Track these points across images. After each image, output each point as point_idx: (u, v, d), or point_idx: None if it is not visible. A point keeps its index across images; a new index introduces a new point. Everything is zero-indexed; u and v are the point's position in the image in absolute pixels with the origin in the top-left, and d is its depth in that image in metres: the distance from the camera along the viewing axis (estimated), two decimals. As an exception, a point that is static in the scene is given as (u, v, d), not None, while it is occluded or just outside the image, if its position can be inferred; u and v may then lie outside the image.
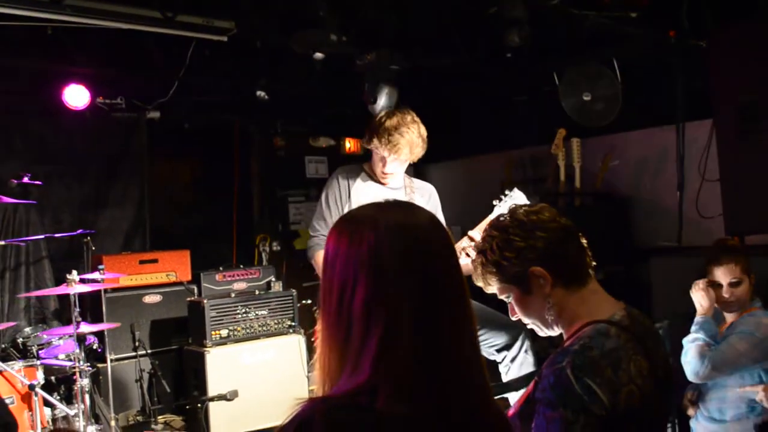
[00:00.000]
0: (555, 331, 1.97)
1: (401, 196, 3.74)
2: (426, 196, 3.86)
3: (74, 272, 4.14)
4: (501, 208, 3.60)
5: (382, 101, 5.86)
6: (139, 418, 5.35)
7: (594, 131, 6.09)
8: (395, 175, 3.71)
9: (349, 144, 7.52)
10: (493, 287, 2.01)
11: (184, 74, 6.07)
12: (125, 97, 6.28)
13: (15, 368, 3.86)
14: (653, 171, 6.03)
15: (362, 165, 3.81)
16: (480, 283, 2.03)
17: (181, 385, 5.60)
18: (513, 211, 2.00)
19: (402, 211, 1.33)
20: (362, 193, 3.68)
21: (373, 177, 3.75)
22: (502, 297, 2.01)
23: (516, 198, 3.63)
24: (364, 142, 3.64)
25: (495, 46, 5.68)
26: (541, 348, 5.62)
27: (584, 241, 1.97)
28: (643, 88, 5.67)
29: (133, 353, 5.47)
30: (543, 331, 2.00)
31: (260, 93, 6.46)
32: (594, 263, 1.96)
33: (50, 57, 5.75)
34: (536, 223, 1.93)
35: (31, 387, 3.79)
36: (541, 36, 5.51)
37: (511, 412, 1.94)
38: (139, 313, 5.62)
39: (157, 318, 5.73)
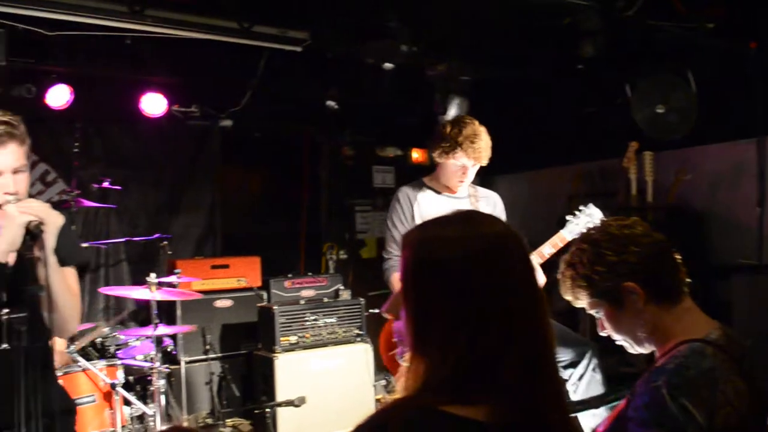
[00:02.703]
0: (646, 349, 1.94)
1: (466, 206, 3.76)
2: (491, 205, 3.88)
3: (153, 275, 4.25)
4: (574, 223, 3.63)
5: (453, 112, 5.88)
6: (209, 420, 5.45)
7: (667, 144, 5.97)
8: (466, 183, 3.77)
9: (416, 154, 7.53)
10: (581, 301, 1.98)
11: (256, 84, 6.19)
12: (199, 106, 6.44)
13: (98, 367, 3.99)
14: (729, 186, 5.87)
15: (422, 180, 3.86)
16: (568, 297, 2.01)
17: (250, 389, 5.68)
18: (605, 224, 1.98)
19: (471, 222, 1.34)
20: (426, 207, 3.72)
21: (436, 189, 3.78)
22: (591, 312, 1.99)
23: (592, 214, 3.64)
24: (438, 154, 3.65)
25: (566, 56, 5.64)
26: (608, 366, 5.52)
27: (678, 257, 1.94)
28: (719, 100, 5.53)
29: (204, 356, 5.58)
30: (633, 348, 1.97)
31: (330, 103, 6.54)
32: (689, 280, 1.93)
33: (129, 66, 5.93)
34: (629, 237, 1.91)
35: (113, 386, 3.91)
36: (614, 46, 5.44)
37: (600, 429, 1.92)
38: (210, 317, 5.73)
39: (227, 322, 5.84)
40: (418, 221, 3.64)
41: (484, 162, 3.68)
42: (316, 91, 6.56)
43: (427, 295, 1.27)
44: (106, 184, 5.34)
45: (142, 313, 5.91)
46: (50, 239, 2.15)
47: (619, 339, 1.97)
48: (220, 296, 5.83)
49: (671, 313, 1.86)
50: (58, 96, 5.54)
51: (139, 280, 5.82)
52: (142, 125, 6.17)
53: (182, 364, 5.06)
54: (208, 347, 5.56)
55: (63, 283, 2.24)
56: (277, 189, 7.15)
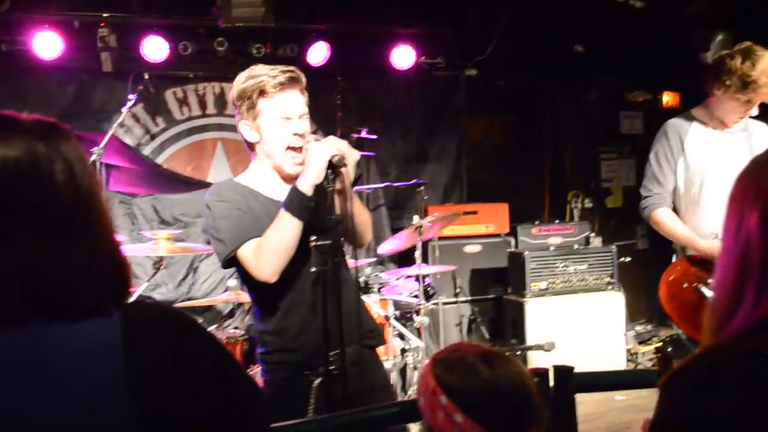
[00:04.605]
0: None
1: (740, 141, 3.51)
2: (766, 133, 3.57)
3: (416, 218, 4.46)
4: None
5: (716, 49, 5.47)
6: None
7: None
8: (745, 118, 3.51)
9: (668, 98, 7.14)
10: None
11: (502, 31, 6.17)
12: (445, 57, 6.56)
13: (372, 300, 4.29)
14: None
15: (691, 113, 3.60)
16: None
17: (498, 332, 5.82)
18: None
19: None
20: (697, 142, 3.49)
21: (707, 123, 3.54)
22: None
23: None
24: (721, 88, 3.40)
25: None
26: None
27: None
28: None
29: (454, 299, 5.79)
30: None
31: (577, 46, 6.38)
32: None
33: (380, 20, 6.17)
34: None
35: (387, 318, 4.21)
36: None
37: None
38: (459, 262, 5.90)
39: (475, 267, 6.00)
40: (688, 157, 3.46)
41: None
42: (562, 36, 6.42)
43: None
44: (364, 134, 5.63)
45: (396, 255, 6.23)
46: (351, 172, 2.32)
47: None
48: (469, 242, 5.99)
49: None
50: (317, 53, 5.91)
51: (395, 224, 6.18)
52: (392, 78, 6.41)
53: (441, 304, 5.30)
54: (458, 290, 5.75)
55: (357, 204, 2.44)
56: (522, 136, 7.13)
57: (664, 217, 3.44)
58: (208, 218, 2.40)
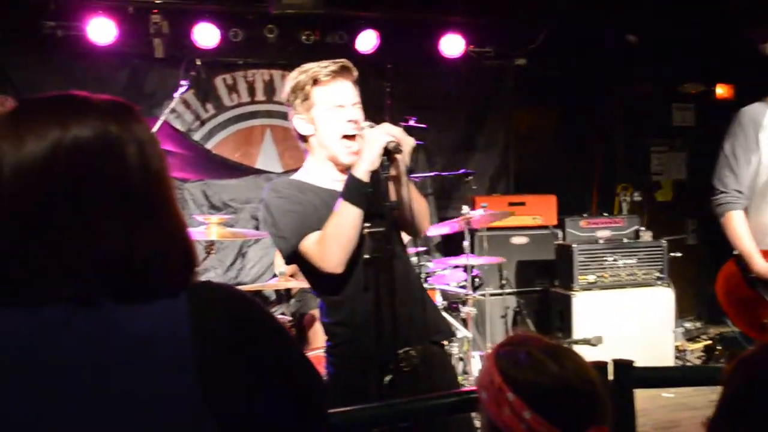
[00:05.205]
0: None
1: None
2: None
3: (465, 207, 4.43)
4: None
5: (776, 40, 5.33)
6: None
7: None
8: None
9: (722, 90, 6.97)
10: None
11: (558, 22, 6.08)
12: (494, 46, 6.49)
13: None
14: None
15: (766, 101, 3.46)
16: None
17: (543, 325, 5.77)
18: None
19: None
20: None
21: None
22: None
23: None
24: None
25: None
26: None
27: None
28: None
29: (500, 290, 5.74)
30: None
31: (630, 37, 6.26)
32: None
33: (429, 8, 6.12)
34: None
35: (435, 308, 4.18)
36: None
37: None
38: (506, 253, 5.84)
39: (522, 259, 5.94)
40: (762, 148, 3.30)
41: None
42: (615, 25, 6.31)
43: None
44: (412, 122, 5.60)
45: (442, 245, 6.20)
46: (406, 158, 2.29)
47: None
48: (516, 233, 5.94)
49: None
50: (367, 41, 5.89)
51: (442, 214, 6.15)
52: (440, 66, 6.35)
53: (487, 295, 5.27)
54: (504, 282, 5.71)
55: (414, 192, 2.40)
56: (571, 127, 7.02)
57: (735, 222, 3.27)
58: (266, 216, 2.37)
